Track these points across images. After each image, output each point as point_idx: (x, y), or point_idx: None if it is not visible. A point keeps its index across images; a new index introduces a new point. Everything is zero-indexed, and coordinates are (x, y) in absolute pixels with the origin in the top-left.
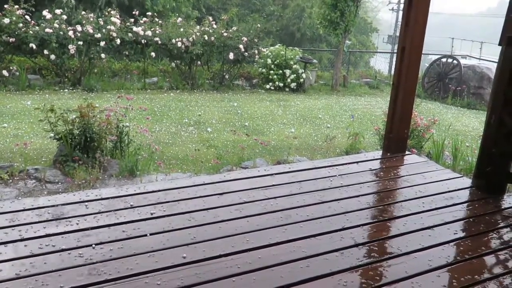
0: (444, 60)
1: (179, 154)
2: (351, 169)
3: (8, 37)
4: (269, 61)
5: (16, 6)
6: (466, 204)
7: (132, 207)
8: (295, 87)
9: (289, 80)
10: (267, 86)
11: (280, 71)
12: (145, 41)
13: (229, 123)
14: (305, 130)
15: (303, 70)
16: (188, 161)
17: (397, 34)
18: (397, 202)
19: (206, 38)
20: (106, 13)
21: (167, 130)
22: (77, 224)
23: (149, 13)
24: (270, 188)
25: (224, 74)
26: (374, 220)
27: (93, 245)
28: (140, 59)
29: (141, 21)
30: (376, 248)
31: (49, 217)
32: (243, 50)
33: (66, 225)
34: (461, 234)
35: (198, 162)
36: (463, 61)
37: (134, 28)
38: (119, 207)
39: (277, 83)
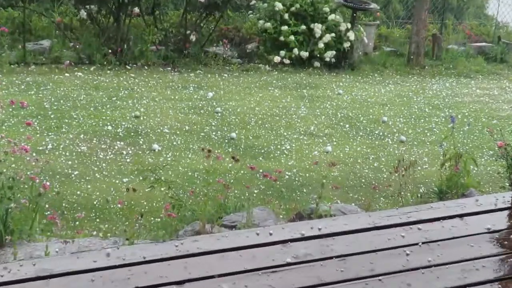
0: None
1: (93, 199)
2: (450, 231)
3: None
4: (279, 5)
5: None
6: None
7: None
8: (333, 60)
9: (320, 45)
10: (276, 58)
11: (303, 27)
12: None
13: (197, 133)
14: (354, 148)
15: (349, 25)
16: (112, 213)
17: None
18: None
19: None
20: None
21: (69, 148)
22: None
23: None
24: (282, 270)
25: (189, 33)
26: None
27: None
28: (14, 3)
29: None
30: None
31: None
32: None
33: None
34: None
35: (133, 216)
36: None
37: None
38: None
39: (296, 51)
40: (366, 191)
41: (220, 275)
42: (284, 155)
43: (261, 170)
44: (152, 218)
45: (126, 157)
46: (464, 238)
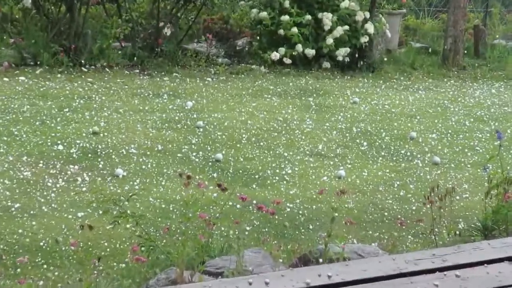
0: None
1: (40, 239)
2: (496, 278)
3: None
4: None
5: None
6: None
7: None
8: (346, 59)
9: (330, 40)
10: (274, 56)
11: (309, 17)
12: None
13: (173, 154)
14: (373, 173)
15: (367, 15)
16: (63, 257)
17: None
18: None
19: None
20: None
21: (9, 174)
22: None
23: None
24: None
25: (162, 25)
26: None
27: None
28: None
29: None
30: None
31: None
32: None
33: None
34: None
35: (90, 261)
36: None
37: None
38: None
39: (299, 48)
40: (389, 227)
41: None
42: (285, 182)
43: (254, 201)
44: (115, 263)
45: (82, 185)
46: None
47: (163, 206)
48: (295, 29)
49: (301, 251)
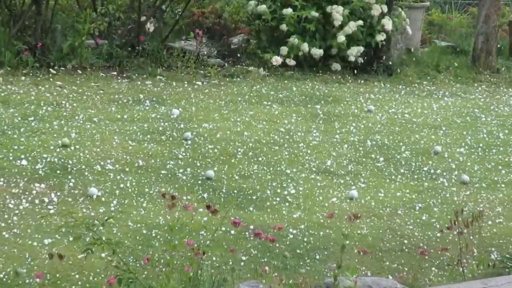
0: None
1: None
2: None
3: None
4: None
5: None
6: None
7: None
8: (360, 60)
9: (341, 38)
10: (275, 59)
11: (315, 12)
12: None
13: (156, 171)
14: (391, 193)
15: (385, 8)
16: None
17: None
18: None
19: None
20: None
21: None
22: None
23: None
24: None
25: (144, 19)
26: None
27: None
28: None
29: None
30: None
31: None
32: None
33: None
34: None
35: None
36: None
37: None
38: None
39: (305, 47)
40: (409, 257)
41: None
42: (287, 204)
43: (251, 227)
44: None
45: (49, 207)
46: None
47: (144, 231)
48: (297, 27)
49: (306, 285)
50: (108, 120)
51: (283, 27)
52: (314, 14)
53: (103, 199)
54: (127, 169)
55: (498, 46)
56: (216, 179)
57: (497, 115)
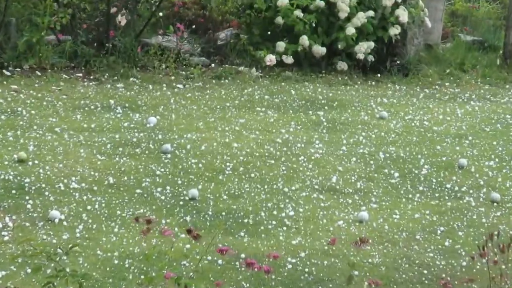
0: None
1: None
2: None
3: None
4: None
5: None
6: None
7: None
8: (370, 58)
9: (349, 31)
10: (269, 57)
11: (319, 1)
12: None
13: (130, 190)
14: (408, 215)
15: None
16: None
17: None
18: None
19: None
20: None
21: None
22: None
23: None
24: None
25: (114, 11)
26: None
27: None
28: None
29: None
30: None
31: None
32: None
33: None
34: None
35: None
36: None
37: None
38: None
39: (305, 42)
40: None
41: None
42: (285, 228)
43: (243, 255)
44: None
45: (3, 233)
46: None
47: (116, 261)
48: (297, 19)
49: None
50: (72, 130)
51: (279, 19)
52: (320, 2)
53: (66, 223)
54: (95, 188)
55: None
56: (201, 199)
57: None
